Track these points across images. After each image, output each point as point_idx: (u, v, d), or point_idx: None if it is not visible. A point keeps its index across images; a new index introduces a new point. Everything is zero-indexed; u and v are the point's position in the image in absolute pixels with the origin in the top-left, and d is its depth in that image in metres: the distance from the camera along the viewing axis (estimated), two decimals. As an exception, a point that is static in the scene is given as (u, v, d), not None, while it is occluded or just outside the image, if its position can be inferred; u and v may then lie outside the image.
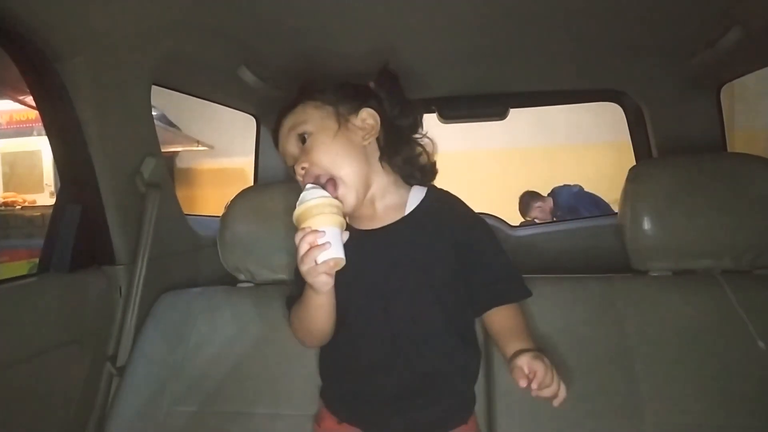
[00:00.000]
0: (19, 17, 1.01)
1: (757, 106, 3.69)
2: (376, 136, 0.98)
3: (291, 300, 1.01)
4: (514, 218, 2.18)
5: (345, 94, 0.99)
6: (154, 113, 1.45)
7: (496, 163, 4.62)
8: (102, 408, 1.26)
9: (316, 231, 0.82)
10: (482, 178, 4.56)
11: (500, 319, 0.96)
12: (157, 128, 1.48)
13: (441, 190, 1.03)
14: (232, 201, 1.30)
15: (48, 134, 1.21)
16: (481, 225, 1.01)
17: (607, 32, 1.36)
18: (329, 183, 0.91)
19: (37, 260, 1.26)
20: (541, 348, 0.91)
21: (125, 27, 1.15)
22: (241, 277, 1.31)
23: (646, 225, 1.12)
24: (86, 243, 1.25)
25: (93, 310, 1.25)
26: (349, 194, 0.92)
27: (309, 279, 0.85)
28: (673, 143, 1.82)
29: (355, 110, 0.97)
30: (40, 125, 3.14)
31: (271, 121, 2.07)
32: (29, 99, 1.23)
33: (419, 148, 1.02)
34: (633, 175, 1.17)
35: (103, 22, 1.10)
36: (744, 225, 1.10)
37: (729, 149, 1.86)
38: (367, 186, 0.96)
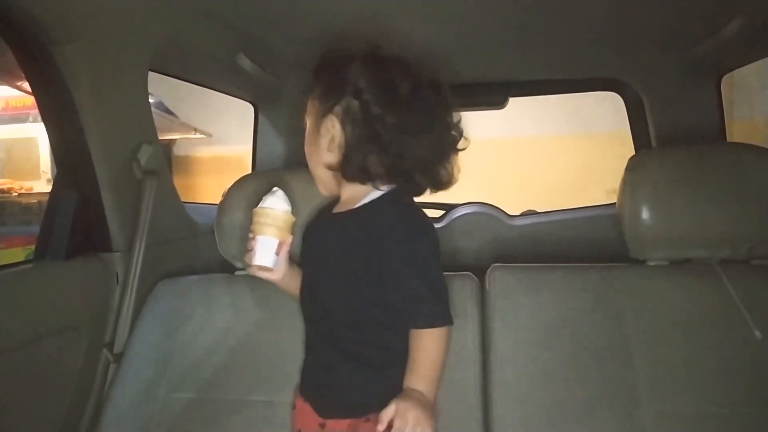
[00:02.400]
0: (15, 1, 1.00)
1: (757, 96, 3.68)
2: (339, 146, 0.94)
3: None
4: (512, 207, 2.17)
5: (322, 83, 0.99)
6: (151, 100, 1.44)
7: (495, 152, 4.61)
8: (99, 394, 1.27)
9: (252, 239, 0.98)
10: (480, 167, 4.55)
11: (410, 341, 0.92)
12: (154, 115, 1.47)
13: (398, 194, 0.97)
14: (230, 188, 1.30)
15: (44, 120, 1.20)
16: (405, 236, 0.92)
17: (607, 21, 1.35)
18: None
19: (33, 247, 1.25)
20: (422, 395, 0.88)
21: (122, 11, 1.14)
22: (239, 264, 1.31)
23: (645, 214, 1.12)
24: (83, 230, 1.24)
25: (90, 297, 1.25)
26: (321, 189, 1.05)
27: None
28: (672, 133, 1.82)
29: (326, 112, 0.95)
30: (36, 112, 3.12)
31: (269, 109, 2.07)
32: (26, 85, 1.22)
33: (401, 151, 0.92)
34: (632, 165, 1.17)
35: (100, 6, 1.09)
36: (742, 215, 1.10)
37: (728, 140, 1.85)
38: (338, 183, 1.01)
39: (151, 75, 1.39)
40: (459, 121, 1.00)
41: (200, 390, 1.15)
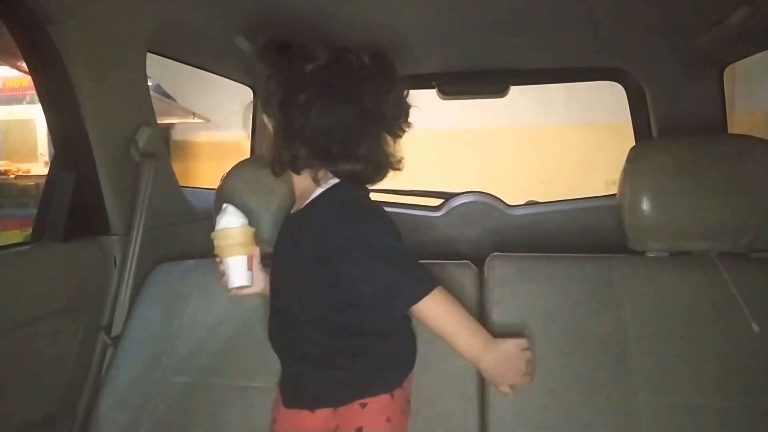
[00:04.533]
0: (11, -22, 0.98)
1: (758, 90, 3.66)
2: (270, 140, 0.96)
3: None
4: (512, 197, 2.17)
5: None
6: (149, 83, 1.43)
7: (495, 141, 4.60)
8: (96, 377, 1.27)
9: (220, 262, 0.99)
10: (480, 156, 4.54)
11: (421, 322, 0.93)
12: (152, 99, 1.46)
13: (340, 189, 0.93)
14: (228, 173, 1.29)
15: (41, 100, 1.19)
16: (350, 230, 0.89)
17: (610, 9, 1.34)
18: None
19: (31, 230, 1.25)
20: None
21: (120, -10, 1.12)
22: (237, 250, 1.30)
23: (645, 205, 1.12)
24: (80, 212, 1.24)
25: (87, 280, 1.25)
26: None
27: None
28: (673, 124, 1.81)
29: (261, 109, 0.99)
30: (32, 93, 3.09)
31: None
32: (24, 64, 1.20)
33: (315, 141, 0.90)
34: (633, 156, 1.17)
35: (97, -15, 1.08)
36: (743, 208, 1.10)
37: (729, 132, 1.85)
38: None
39: (150, 58, 1.38)
40: (398, 99, 0.94)
41: (197, 374, 1.15)
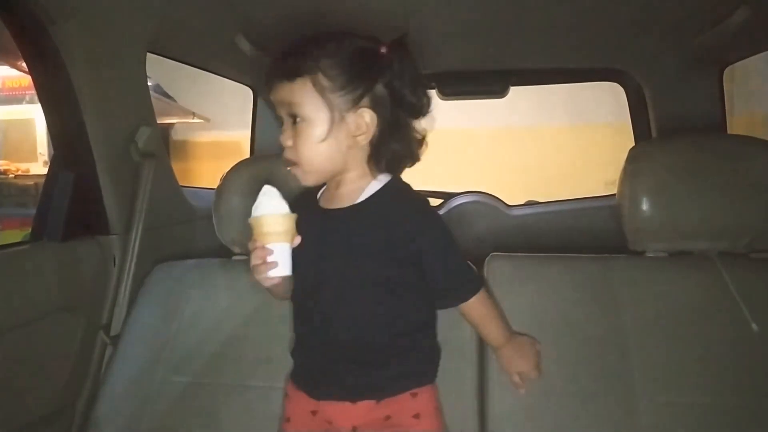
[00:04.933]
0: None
1: (758, 91, 3.67)
2: (369, 138, 0.91)
3: None
4: (512, 197, 2.17)
5: (352, 75, 0.88)
6: (149, 83, 1.43)
7: (495, 141, 4.60)
8: (95, 376, 1.27)
9: (265, 248, 0.88)
10: (480, 156, 4.54)
11: (467, 311, 1.01)
12: (152, 99, 1.46)
13: (402, 183, 0.96)
14: (228, 173, 1.29)
15: (41, 100, 1.19)
16: (431, 223, 0.96)
17: (610, 10, 1.34)
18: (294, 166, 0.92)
19: (30, 229, 1.25)
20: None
21: (120, -10, 1.12)
22: (236, 249, 1.30)
23: (645, 205, 1.12)
24: (80, 212, 1.24)
25: (86, 280, 1.25)
26: (308, 181, 0.94)
27: (260, 283, 0.91)
28: (673, 124, 1.81)
29: (354, 104, 0.88)
30: (32, 93, 3.09)
31: (267, 93, 2.05)
32: (24, 64, 1.21)
33: (414, 136, 0.94)
34: (633, 156, 1.16)
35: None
36: (742, 208, 1.10)
37: (728, 132, 1.85)
38: (333, 176, 0.95)
39: (150, 58, 1.38)
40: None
41: (196, 374, 1.15)
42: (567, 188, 2.73)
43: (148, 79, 1.40)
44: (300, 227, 0.90)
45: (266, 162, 1.29)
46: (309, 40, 0.92)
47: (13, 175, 3.47)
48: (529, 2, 1.28)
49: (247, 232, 1.24)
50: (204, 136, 5.01)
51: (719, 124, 1.77)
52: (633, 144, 1.23)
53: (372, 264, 0.93)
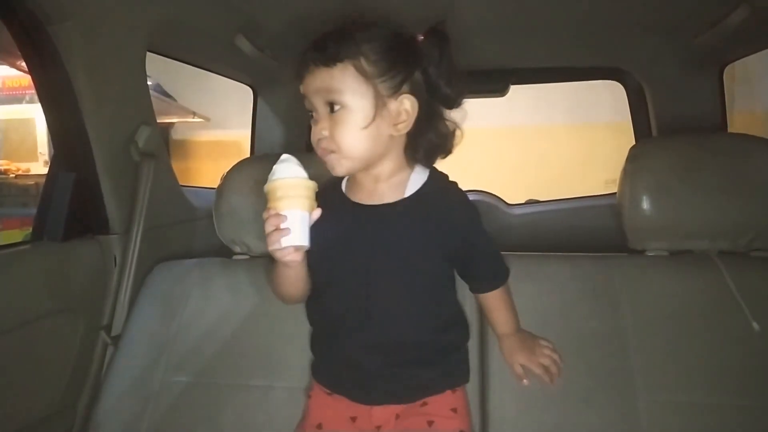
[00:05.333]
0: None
1: (758, 89, 3.67)
2: (409, 127, 0.88)
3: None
4: (512, 196, 2.17)
5: (392, 61, 0.85)
6: (149, 83, 1.43)
7: (495, 140, 4.60)
8: (96, 376, 1.27)
9: (279, 215, 0.82)
10: (481, 155, 4.54)
11: (490, 296, 1.05)
12: (152, 98, 1.46)
13: (441, 174, 0.96)
14: (228, 172, 1.29)
15: (41, 100, 1.19)
16: (475, 214, 0.97)
17: (610, 9, 1.34)
18: (331, 154, 0.87)
19: (31, 229, 1.25)
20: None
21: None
22: (237, 249, 1.30)
23: (645, 204, 1.12)
24: (80, 212, 1.24)
25: (87, 280, 1.25)
26: (342, 168, 0.89)
27: (275, 256, 0.86)
28: (673, 123, 1.81)
29: (395, 91, 0.85)
30: (32, 93, 3.09)
31: (268, 92, 2.05)
32: (24, 63, 1.21)
33: (448, 127, 0.92)
34: (633, 155, 1.16)
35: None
36: (742, 206, 1.10)
37: (729, 131, 1.85)
38: (370, 165, 0.91)
39: (150, 57, 1.37)
40: None
41: (198, 374, 1.15)
42: (567, 187, 2.73)
43: (148, 79, 1.40)
44: (329, 222, 0.86)
45: (267, 161, 1.29)
46: (344, 26, 0.88)
47: (13, 175, 3.46)
48: (529, 1, 1.28)
49: (248, 231, 1.26)
50: (204, 136, 5.00)
51: (719, 122, 1.77)
52: (633, 143, 1.22)
53: (424, 260, 0.93)
